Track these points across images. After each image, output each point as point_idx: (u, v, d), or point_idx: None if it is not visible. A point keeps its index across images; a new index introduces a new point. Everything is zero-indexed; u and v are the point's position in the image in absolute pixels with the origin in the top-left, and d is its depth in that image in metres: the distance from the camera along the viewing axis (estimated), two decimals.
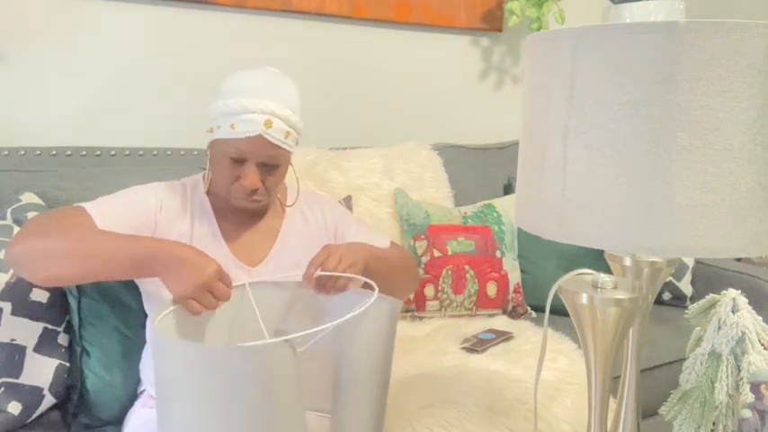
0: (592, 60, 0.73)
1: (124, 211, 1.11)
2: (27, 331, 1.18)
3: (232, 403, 0.78)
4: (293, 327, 1.11)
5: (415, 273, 1.37)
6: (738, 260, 2.04)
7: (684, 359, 1.06)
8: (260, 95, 1.10)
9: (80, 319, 1.24)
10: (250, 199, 1.14)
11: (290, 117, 1.13)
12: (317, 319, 1.11)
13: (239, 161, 1.12)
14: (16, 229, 1.26)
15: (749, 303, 1.02)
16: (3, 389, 1.14)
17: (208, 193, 1.22)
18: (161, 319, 0.92)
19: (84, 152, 1.57)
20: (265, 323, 1.07)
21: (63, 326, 1.24)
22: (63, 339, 1.24)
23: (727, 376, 0.98)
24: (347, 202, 1.72)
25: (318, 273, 1.03)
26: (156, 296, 1.12)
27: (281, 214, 1.27)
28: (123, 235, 1.03)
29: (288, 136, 1.13)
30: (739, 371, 0.98)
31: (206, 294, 0.96)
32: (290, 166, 1.22)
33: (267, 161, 1.13)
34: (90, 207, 1.09)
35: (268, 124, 1.10)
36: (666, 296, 1.96)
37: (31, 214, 1.30)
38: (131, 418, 1.17)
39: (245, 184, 1.12)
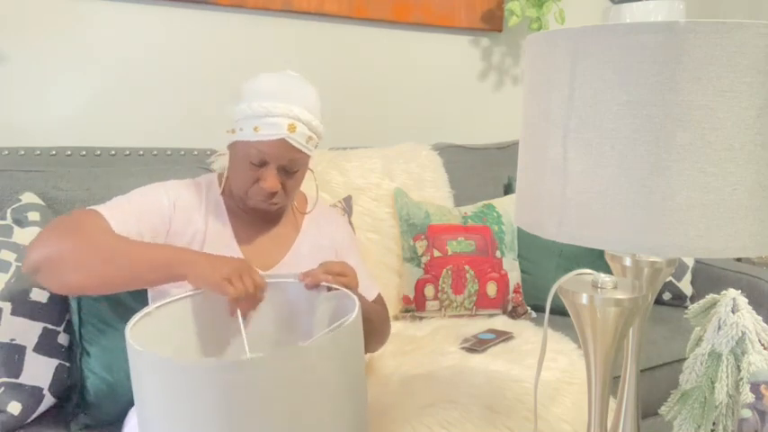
0: (592, 60, 0.73)
1: (138, 213, 1.10)
2: (27, 331, 1.18)
3: (201, 418, 0.76)
4: (273, 329, 1.10)
5: (382, 337, 1.33)
6: (738, 260, 2.04)
7: (684, 359, 1.06)
8: (284, 99, 1.11)
9: (80, 318, 1.24)
10: (269, 202, 1.15)
11: (312, 122, 1.14)
12: (292, 318, 1.10)
13: (260, 164, 1.12)
14: (16, 228, 1.26)
15: (749, 303, 1.02)
16: (3, 389, 1.14)
17: (223, 193, 1.22)
18: (137, 324, 0.90)
19: (84, 152, 1.57)
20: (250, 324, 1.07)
21: (63, 325, 1.24)
22: (63, 339, 1.24)
23: (727, 376, 0.98)
24: (347, 202, 1.72)
25: (323, 282, 1.03)
26: (166, 293, 1.11)
27: (297, 223, 1.28)
28: (144, 242, 1.04)
29: (309, 140, 1.14)
30: (739, 371, 0.98)
31: (239, 278, 0.95)
32: (311, 174, 1.23)
33: (288, 165, 1.13)
34: (104, 210, 1.08)
35: (291, 128, 1.10)
36: (666, 296, 1.96)
37: (31, 214, 1.30)
38: (131, 417, 1.17)
39: (265, 187, 1.12)
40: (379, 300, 1.35)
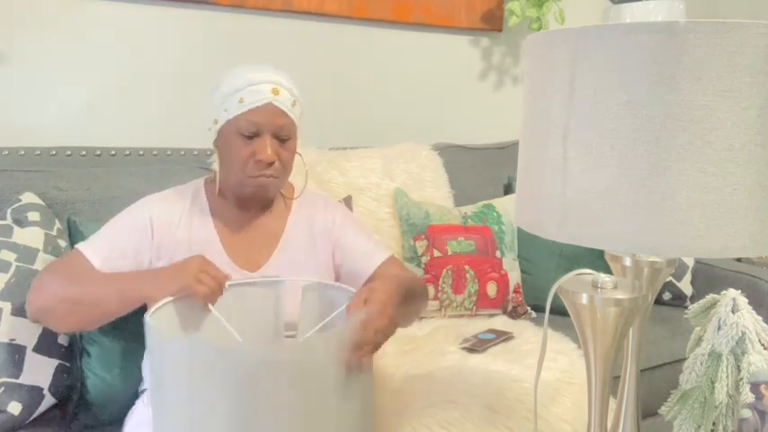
0: (592, 60, 0.73)
1: (120, 235, 1.15)
2: (27, 331, 1.18)
3: (221, 402, 0.77)
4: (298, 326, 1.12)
5: (426, 294, 1.33)
6: (738, 260, 2.04)
7: (684, 359, 1.06)
8: (262, 70, 1.13)
9: None
10: (267, 174, 1.13)
11: (294, 89, 1.16)
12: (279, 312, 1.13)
13: (252, 136, 1.12)
14: (16, 228, 1.26)
15: (749, 303, 1.02)
16: (3, 389, 1.14)
17: (219, 193, 1.21)
18: (156, 312, 0.94)
19: (84, 152, 1.57)
20: (265, 320, 1.08)
21: None
22: (63, 339, 1.24)
23: (727, 376, 0.98)
24: (347, 202, 1.71)
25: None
26: None
27: (285, 214, 1.26)
28: (112, 277, 1.10)
29: (294, 106, 1.15)
30: (739, 371, 0.98)
31: (203, 275, 1.02)
32: (300, 159, 1.23)
33: (279, 132, 1.14)
34: (85, 248, 1.13)
35: (275, 92, 1.12)
36: (666, 296, 1.96)
37: (30, 214, 1.30)
38: (131, 417, 1.17)
39: (263, 158, 1.12)
40: (394, 262, 1.26)
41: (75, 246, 1.15)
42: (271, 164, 1.13)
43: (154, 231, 1.16)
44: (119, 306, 1.07)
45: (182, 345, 0.80)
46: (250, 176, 1.13)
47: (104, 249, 1.13)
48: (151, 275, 1.08)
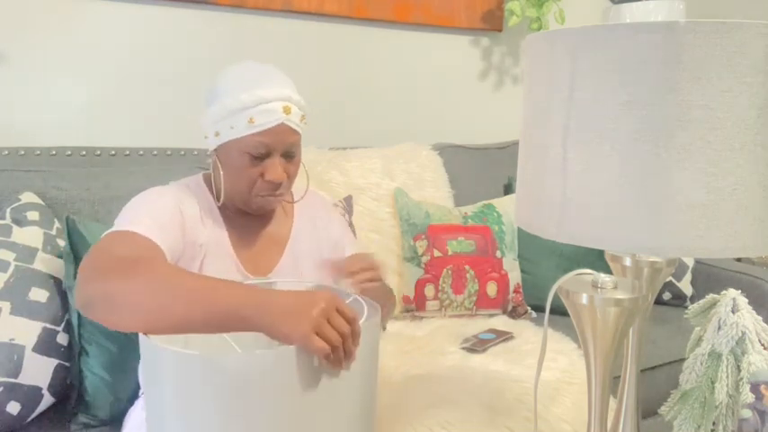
0: (592, 60, 0.73)
1: (161, 226, 1.00)
2: (26, 331, 1.18)
3: (211, 411, 0.77)
4: None
5: (394, 306, 1.35)
6: (738, 260, 2.04)
7: (684, 359, 1.06)
8: (272, 84, 1.05)
9: (79, 318, 1.24)
10: (276, 194, 1.09)
11: (302, 101, 1.09)
12: None
13: (263, 156, 1.06)
14: (15, 228, 1.26)
15: (749, 303, 1.02)
16: (2, 388, 1.14)
17: (222, 204, 1.14)
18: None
19: (84, 152, 1.57)
20: None
21: (62, 325, 1.24)
22: (62, 339, 1.24)
23: (727, 376, 0.98)
24: (347, 201, 1.71)
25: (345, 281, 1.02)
26: None
27: (288, 219, 1.22)
28: (206, 279, 0.85)
29: (302, 120, 1.10)
30: (739, 371, 0.98)
31: (326, 325, 0.78)
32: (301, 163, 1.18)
33: (289, 150, 1.08)
34: (139, 229, 0.96)
35: (287, 110, 1.05)
36: (666, 296, 1.96)
37: (30, 213, 1.30)
38: (130, 418, 1.17)
39: (273, 179, 1.06)
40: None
41: (130, 229, 0.96)
42: (280, 184, 1.08)
43: (184, 222, 1.06)
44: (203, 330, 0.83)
45: (170, 355, 0.78)
46: (258, 195, 1.09)
47: (157, 230, 0.98)
48: (265, 309, 0.79)
